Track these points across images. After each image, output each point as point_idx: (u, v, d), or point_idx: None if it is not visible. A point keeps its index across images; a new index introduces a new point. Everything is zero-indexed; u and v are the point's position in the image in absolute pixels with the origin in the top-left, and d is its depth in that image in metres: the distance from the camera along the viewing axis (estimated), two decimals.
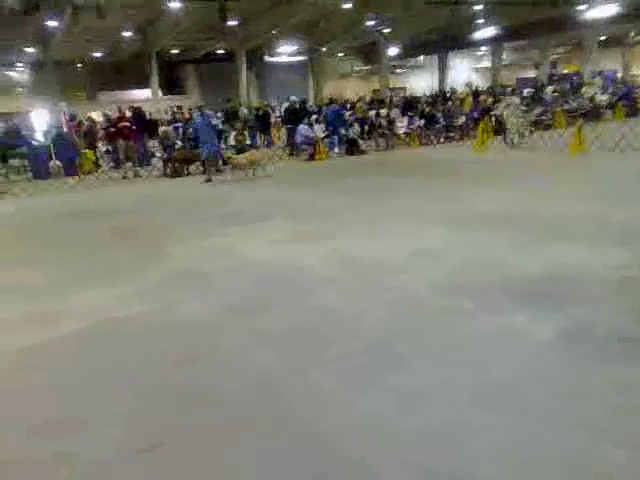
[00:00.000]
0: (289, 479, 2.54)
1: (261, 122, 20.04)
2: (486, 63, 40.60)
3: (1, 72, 31.83)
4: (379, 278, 5.18)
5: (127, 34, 28.24)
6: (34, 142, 16.24)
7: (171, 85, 36.50)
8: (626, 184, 8.81)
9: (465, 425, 2.82)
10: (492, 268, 5.20)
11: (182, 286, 5.37)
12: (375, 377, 3.37)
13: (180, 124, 17.55)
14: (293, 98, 18.89)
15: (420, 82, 40.56)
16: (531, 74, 37.98)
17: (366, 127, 18.27)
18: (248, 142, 15.96)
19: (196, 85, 38.57)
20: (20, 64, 32.04)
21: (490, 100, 20.59)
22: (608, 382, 3.13)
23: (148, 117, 19.94)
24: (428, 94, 26.65)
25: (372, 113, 18.79)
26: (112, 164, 16.16)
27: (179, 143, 15.33)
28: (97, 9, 20.43)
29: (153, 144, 16.77)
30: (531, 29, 30.04)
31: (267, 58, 37.13)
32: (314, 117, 16.70)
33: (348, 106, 20.23)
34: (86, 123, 18.03)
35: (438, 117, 18.50)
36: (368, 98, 26.32)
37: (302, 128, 16.05)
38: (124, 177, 14.69)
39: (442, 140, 18.07)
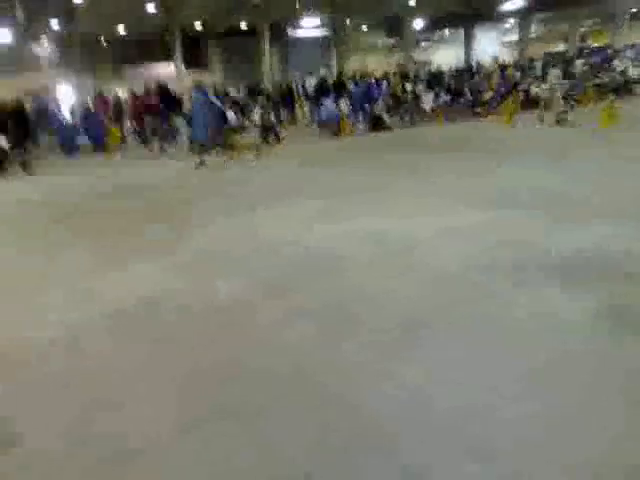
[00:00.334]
0: (320, 448, 2.63)
1: (285, 98, 19.97)
2: (513, 36, 39.66)
3: (28, 48, 32.04)
4: (410, 255, 5.22)
5: (151, 9, 28.17)
6: (62, 119, 16.42)
7: (194, 61, 36.38)
8: None
9: (498, 398, 2.88)
10: (525, 246, 5.20)
11: (214, 264, 5.48)
12: (406, 352, 3.44)
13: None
14: (324, 72, 18.76)
15: (445, 56, 39.82)
16: (559, 48, 37.04)
17: (391, 102, 18.09)
18: (273, 118, 15.99)
19: (219, 61, 38.43)
20: (46, 40, 32.20)
21: (518, 74, 20.19)
22: None
23: (173, 93, 19.98)
24: (454, 68, 26.18)
25: (397, 87, 18.60)
26: (139, 140, 16.32)
27: None
28: None
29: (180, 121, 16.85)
30: (560, 0, 29.21)
31: (290, 32, 36.74)
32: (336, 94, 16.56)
33: (383, 81, 19.87)
34: (112, 100, 18.18)
35: (465, 92, 18.24)
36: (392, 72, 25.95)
37: (327, 104, 15.98)
38: (150, 151, 14.85)
39: (468, 116, 17.84)
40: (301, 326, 3.93)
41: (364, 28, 38.89)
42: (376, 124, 16.10)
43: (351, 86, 18.17)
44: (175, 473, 2.55)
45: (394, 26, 36.08)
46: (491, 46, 40.49)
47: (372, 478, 2.42)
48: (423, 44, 40.85)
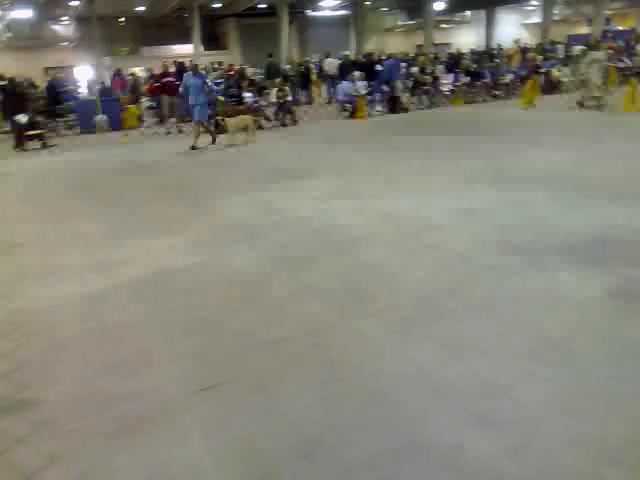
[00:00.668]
0: (332, 419, 2.66)
1: (302, 78, 19.88)
2: (536, 19, 38.90)
3: (48, 26, 32.14)
4: (425, 235, 5.21)
5: None
6: (80, 96, 16.51)
7: (212, 40, 36.28)
8: None
9: (511, 374, 2.88)
10: (540, 227, 5.16)
11: (230, 239, 5.52)
12: (421, 328, 3.44)
13: (222, 80, 17.55)
14: (347, 52, 18.66)
15: (466, 38, 39.26)
16: (583, 31, 36.28)
17: (410, 84, 17.90)
18: (289, 98, 15.92)
19: (237, 40, 38.23)
20: (65, 18, 32.25)
21: (540, 58, 19.84)
22: None
23: None
24: (474, 51, 25.81)
25: (416, 69, 18.39)
26: (156, 119, 16.36)
27: (221, 99, 15.38)
28: None
29: None
30: None
31: (309, 12, 36.43)
32: (357, 73, 16.37)
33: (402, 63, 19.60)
34: (130, 78, 18.22)
35: (484, 74, 18.01)
36: (412, 54, 25.66)
37: (344, 85, 15.87)
38: (168, 132, 14.88)
39: (488, 98, 17.63)
40: (315, 301, 3.95)
41: (383, 9, 38.43)
42: (394, 106, 15.97)
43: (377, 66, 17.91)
44: (192, 437, 2.60)
45: (414, 7, 35.58)
46: (513, 28, 39.79)
47: (381, 447, 2.44)
48: (443, 25, 40.22)
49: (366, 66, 17.53)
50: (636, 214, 5.32)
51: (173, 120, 15.30)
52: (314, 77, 21.72)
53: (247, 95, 15.95)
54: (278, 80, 16.49)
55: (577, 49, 22.05)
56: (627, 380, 2.79)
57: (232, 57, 33.28)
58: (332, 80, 19.65)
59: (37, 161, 11.93)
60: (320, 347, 3.32)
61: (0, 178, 9.82)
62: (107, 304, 4.15)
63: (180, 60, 18.65)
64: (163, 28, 34.06)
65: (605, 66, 14.42)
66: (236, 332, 3.58)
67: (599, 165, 7.47)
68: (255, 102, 15.33)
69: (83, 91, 17.08)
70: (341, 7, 35.36)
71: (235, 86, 15.87)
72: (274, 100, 15.05)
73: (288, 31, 31.71)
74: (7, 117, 14.49)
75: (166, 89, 15.42)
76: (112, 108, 15.91)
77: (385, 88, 16.19)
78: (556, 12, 36.86)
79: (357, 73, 16.41)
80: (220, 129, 11.81)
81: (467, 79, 17.66)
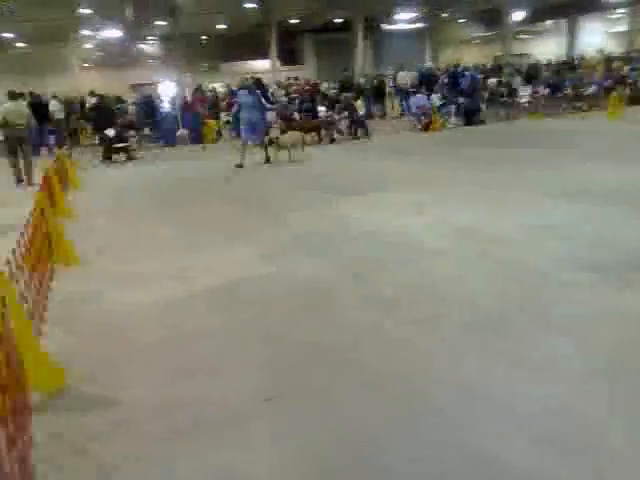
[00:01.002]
0: (398, 432, 2.65)
1: (376, 91, 19.96)
2: (622, 27, 37.22)
3: (134, 45, 33.99)
4: (495, 250, 5.09)
5: (249, 5, 29.00)
6: (164, 112, 17.30)
7: (288, 56, 37.13)
8: None
9: (579, 395, 2.77)
10: (620, 245, 4.93)
11: (300, 250, 5.60)
12: (489, 342, 3.37)
13: (296, 95, 17.93)
14: (428, 65, 18.65)
15: (546, 48, 38.09)
16: None
17: (486, 96, 17.60)
18: (362, 112, 16.03)
19: (312, 55, 38.94)
20: (151, 37, 33.99)
21: (626, 67, 18.98)
22: None
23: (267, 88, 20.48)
24: (553, 61, 25.02)
25: (492, 81, 18.06)
26: (234, 134, 16.89)
27: (296, 114, 15.72)
28: None
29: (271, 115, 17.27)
30: None
31: (384, 26, 36.57)
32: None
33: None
34: (210, 94, 18.93)
35: (565, 86, 17.41)
36: (489, 65, 25.22)
37: (418, 97, 15.81)
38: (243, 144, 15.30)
39: (569, 110, 17.01)
40: (381, 313, 3.94)
41: (460, 20, 38.01)
42: (469, 118, 15.73)
43: (445, 79, 17.81)
44: (258, 444, 2.67)
45: (492, 18, 34.95)
46: (597, 37, 38.24)
47: (444, 464, 2.41)
48: (522, 36, 39.25)
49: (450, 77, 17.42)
50: None
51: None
52: (388, 90, 21.77)
53: (321, 109, 16.22)
54: (350, 95, 16.65)
55: None
56: None
57: (308, 72, 33.91)
58: (406, 93, 19.62)
59: (122, 172, 12.62)
60: (386, 360, 3.32)
61: (87, 189, 10.44)
62: (184, 311, 4.32)
63: (257, 76, 19.20)
64: (242, 45, 35.22)
65: None
66: (303, 342, 3.64)
67: None
68: (328, 116, 15.55)
69: (166, 106, 17.88)
70: (417, 20, 35.28)
71: (309, 101, 16.18)
72: (345, 114, 15.19)
73: (363, 45, 31.95)
74: (97, 131, 15.40)
75: None
76: (192, 123, 16.56)
77: (461, 100, 15.99)
78: None
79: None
80: (274, 145, 11.66)
81: (546, 91, 17.14)
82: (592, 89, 17.57)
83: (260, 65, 34.99)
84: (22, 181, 10.94)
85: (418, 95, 15.97)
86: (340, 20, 34.47)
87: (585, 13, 34.76)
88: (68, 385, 3.28)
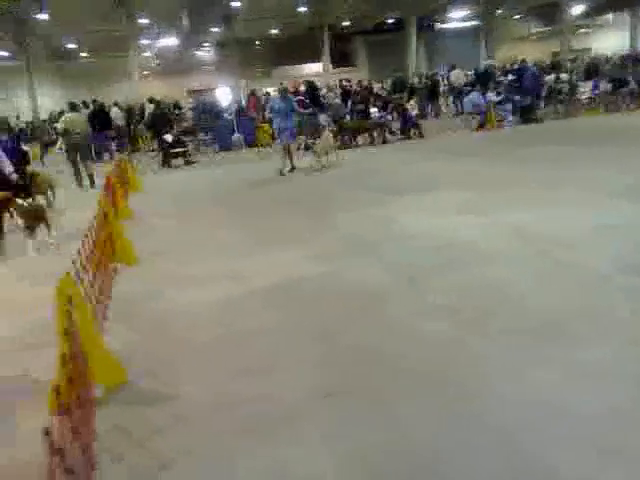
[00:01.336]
0: (445, 441, 2.62)
1: (429, 91, 19.76)
2: None
3: (191, 52, 34.87)
4: (555, 252, 4.94)
5: (301, 9, 29.26)
6: (220, 117, 17.66)
7: (340, 58, 37.20)
8: None
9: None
10: None
11: (352, 252, 5.61)
12: (544, 352, 3.27)
13: (348, 97, 17.95)
14: (488, 62, 18.38)
15: (608, 42, 36.65)
16: None
17: (544, 92, 17.10)
18: (415, 112, 15.90)
19: (365, 57, 38.86)
20: (206, 44, 34.79)
21: None
22: None
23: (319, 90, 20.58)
24: (614, 56, 24.04)
25: (551, 77, 17.54)
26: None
27: (347, 117, 15.76)
28: None
29: (324, 118, 17.34)
30: None
31: (437, 25, 36.13)
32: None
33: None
34: (263, 98, 19.19)
35: (629, 80, 16.70)
36: (547, 61, 24.49)
37: (473, 95, 15.54)
38: (297, 149, 15.44)
39: (633, 106, 16.31)
40: (433, 316, 3.90)
41: (515, 17, 37.11)
42: (526, 116, 15.33)
43: (506, 76, 17.44)
44: (311, 442, 2.70)
45: (550, 13, 33.93)
46: None
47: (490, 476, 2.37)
48: (582, 30, 37.92)
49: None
50: None
51: (302, 137, 15.86)
52: (441, 89, 21.51)
53: (373, 110, 16.18)
54: (399, 96, 16.55)
55: None
56: None
57: (360, 73, 33.87)
58: (459, 92, 19.34)
59: (180, 176, 12.97)
60: (437, 365, 3.28)
61: (147, 192, 10.78)
62: (241, 310, 4.41)
63: (310, 79, 19.34)
64: (294, 49, 35.55)
65: None
66: (357, 344, 3.64)
67: None
68: (381, 117, 15.50)
69: (222, 112, 18.27)
70: (470, 18, 34.69)
71: (362, 102, 16.17)
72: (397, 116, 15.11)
73: (415, 45, 31.65)
74: (156, 136, 15.88)
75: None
76: (247, 127, 16.84)
77: (517, 97, 15.61)
78: None
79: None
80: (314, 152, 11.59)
81: (609, 86, 16.49)
82: None
83: (312, 68, 35.19)
84: (82, 185, 11.59)
85: (474, 93, 15.69)
86: (392, 21, 34.30)
87: None
88: (129, 380, 3.41)
